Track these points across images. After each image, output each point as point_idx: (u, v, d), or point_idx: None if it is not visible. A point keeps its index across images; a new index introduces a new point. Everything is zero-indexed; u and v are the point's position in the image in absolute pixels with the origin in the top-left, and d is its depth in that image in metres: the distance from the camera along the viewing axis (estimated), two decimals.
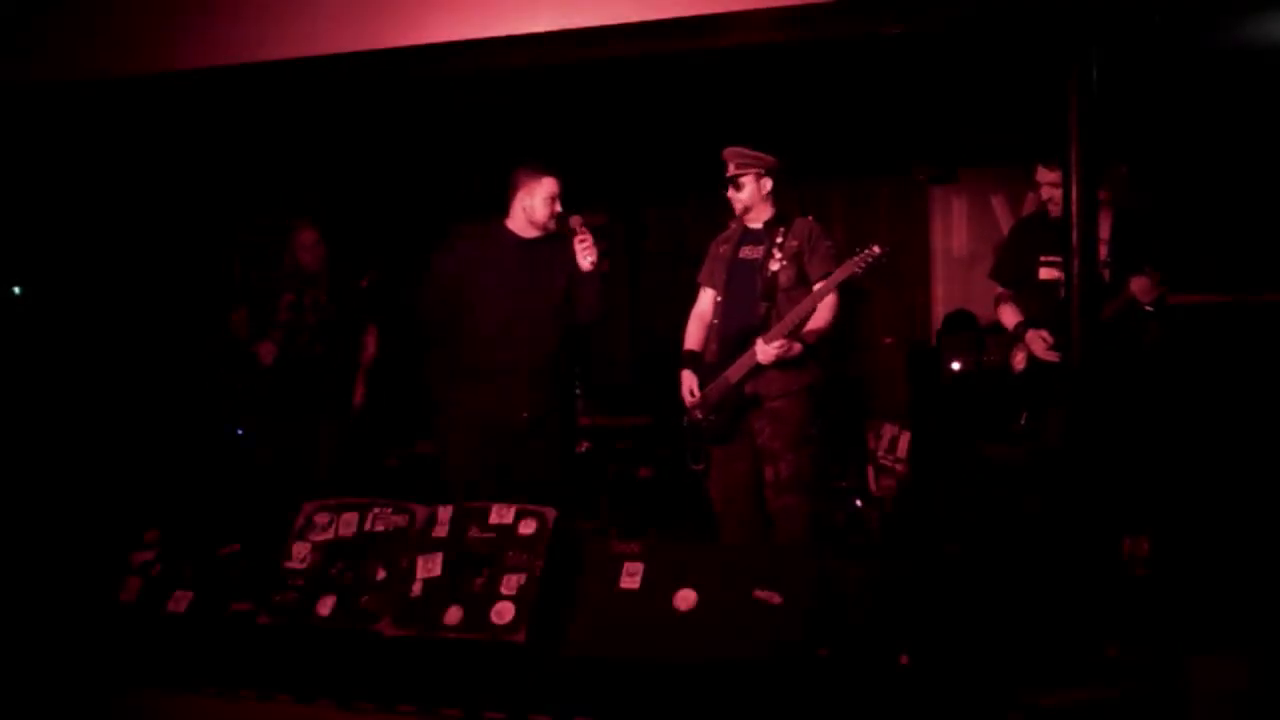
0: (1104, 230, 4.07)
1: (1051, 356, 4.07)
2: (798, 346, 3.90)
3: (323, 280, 4.87)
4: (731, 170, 4.08)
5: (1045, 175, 4.15)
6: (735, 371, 3.96)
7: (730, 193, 4.10)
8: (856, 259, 3.85)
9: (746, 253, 4.11)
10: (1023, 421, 4.24)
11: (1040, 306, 4.17)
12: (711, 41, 3.59)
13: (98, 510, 4.18)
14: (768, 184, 4.08)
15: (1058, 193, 4.05)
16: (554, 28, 3.57)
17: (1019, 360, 4.26)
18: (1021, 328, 4.22)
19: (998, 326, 4.51)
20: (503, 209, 4.28)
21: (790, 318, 3.88)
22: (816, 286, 3.91)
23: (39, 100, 4.20)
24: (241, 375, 4.88)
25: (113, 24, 4.01)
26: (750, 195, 4.06)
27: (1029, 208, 6.46)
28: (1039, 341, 4.12)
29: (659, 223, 7.11)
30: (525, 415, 4.13)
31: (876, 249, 3.84)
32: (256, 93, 4.22)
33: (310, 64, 3.82)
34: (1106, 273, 4.03)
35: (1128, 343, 4.03)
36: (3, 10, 4.13)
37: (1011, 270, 4.39)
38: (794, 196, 4.24)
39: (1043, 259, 4.20)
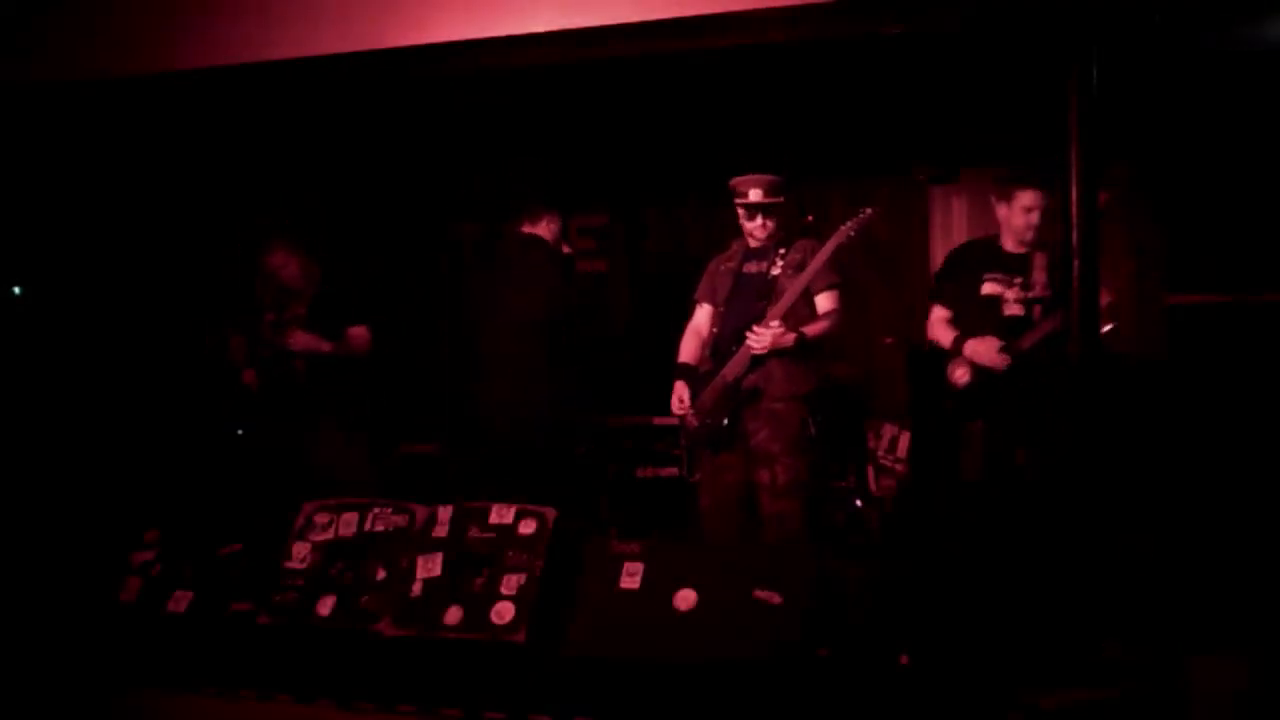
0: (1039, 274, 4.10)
1: (1000, 361, 4.00)
2: (792, 335, 3.88)
3: (306, 293, 4.66)
4: (760, 199, 4.01)
5: (1025, 198, 4.12)
6: (732, 369, 3.96)
7: (749, 222, 4.06)
8: (849, 224, 3.85)
9: (750, 268, 4.11)
10: (978, 431, 4.15)
11: (980, 320, 4.12)
12: (711, 41, 3.59)
13: (98, 510, 4.18)
14: (781, 199, 4.06)
15: (1033, 217, 4.11)
16: (554, 28, 3.57)
17: (961, 375, 4.16)
18: (959, 342, 4.15)
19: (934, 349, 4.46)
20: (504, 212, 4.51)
21: (786, 299, 3.88)
22: (813, 260, 3.90)
23: (39, 100, 4.20)
24: (234, 401, 4.76)
25: (113, 24, 4.01)
26: (770, 212, 4.03)
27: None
28: (985, 348, 4.03)
29: (659, 223, 7.10)
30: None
31: (869, 210, 3.85)
32: (256, 93, 4.22)
33: (310, 64, 3.82)
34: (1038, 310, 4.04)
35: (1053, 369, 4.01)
36: (3, 10, 4.12)
37: (952, 290, 4.31)
38: (793, 212, 4.23)
39: (986, 276, 4.15)
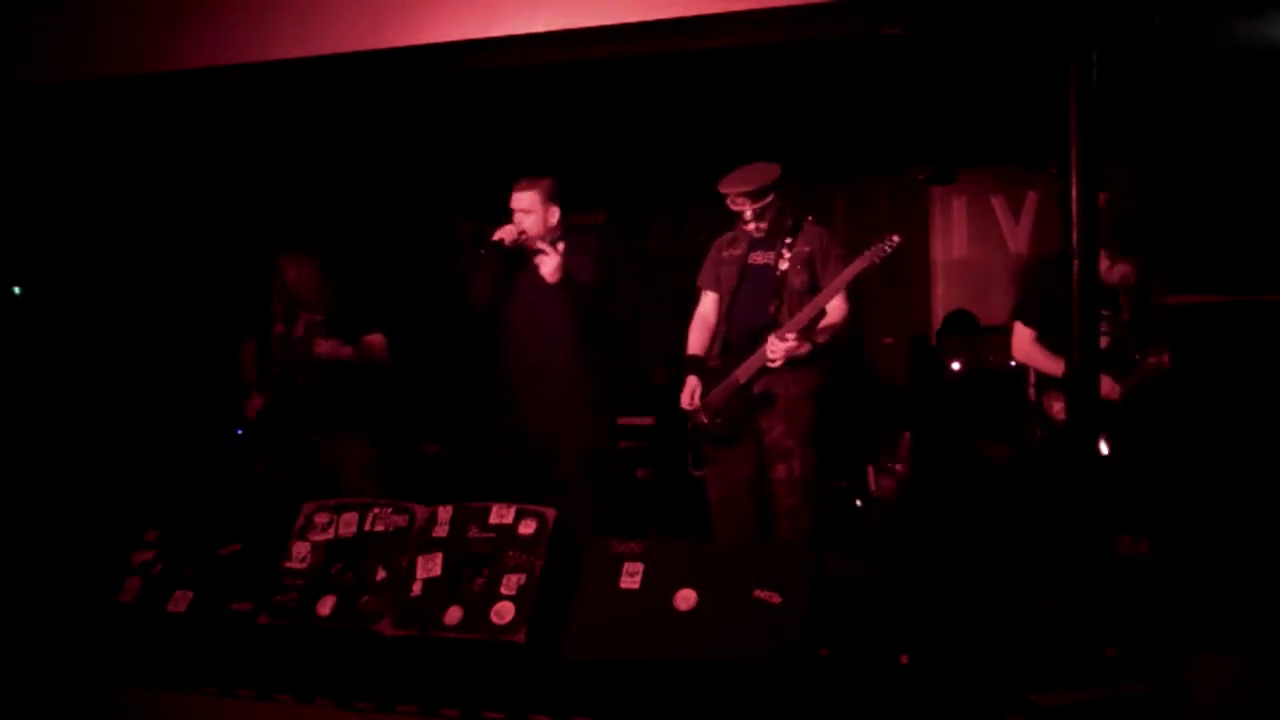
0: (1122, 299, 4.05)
1: (1116, 394, 3.95)
2: (807, 346, 3.88)
3: (318, 303, 4.54)
4: (742, 208, 3.95)
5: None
6: (744, 371, 3.95)
7: (745, 225, 4.03)
8: (873, 250, 3.82)
9: (757, 258, 4.07)
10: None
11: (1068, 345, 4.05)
12: (711, 42, 3.59)
13: (98, 510, 4.18)
14: (771, 196, 4.02)
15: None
16: (554, 28, 3.57)
17: (1060, 409, 4.03)
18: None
19: (999, 328, 4.42)
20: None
21: (804, 313, 3.86)
22: (831, 283, 3.89)
23: (39, 100, 4.20)
24: (237, 422, 4.72)
25: (113, 24, 4.01)
26: (762, 216, 4.00)
27: (1029, 209, 6.49)
28: (1104, 382, 3.89)
29: (659, 222, 7.11)
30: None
31: (895, 238, 3.82)
32: (256, 93, 4.22)
33: (310, 64, 3.82)
34: (1131, 340, 4.01)
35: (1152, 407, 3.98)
36: (2, 10, 4.12)
37: (1036, 308, 4.17)
38: (797, 198, 4.19)
39: None
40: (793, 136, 5.30)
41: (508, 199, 4.30)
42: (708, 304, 4.20)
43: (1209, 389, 4.48)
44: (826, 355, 4.00)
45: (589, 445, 4.40)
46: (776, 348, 3.83)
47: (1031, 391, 4.18)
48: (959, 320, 6.17)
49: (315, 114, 5.14)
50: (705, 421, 4.04)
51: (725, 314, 4.10)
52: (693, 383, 4.07)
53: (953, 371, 5.77)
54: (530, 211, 4.24)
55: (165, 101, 4.30)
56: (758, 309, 3.99)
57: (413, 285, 5.19)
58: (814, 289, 3.93)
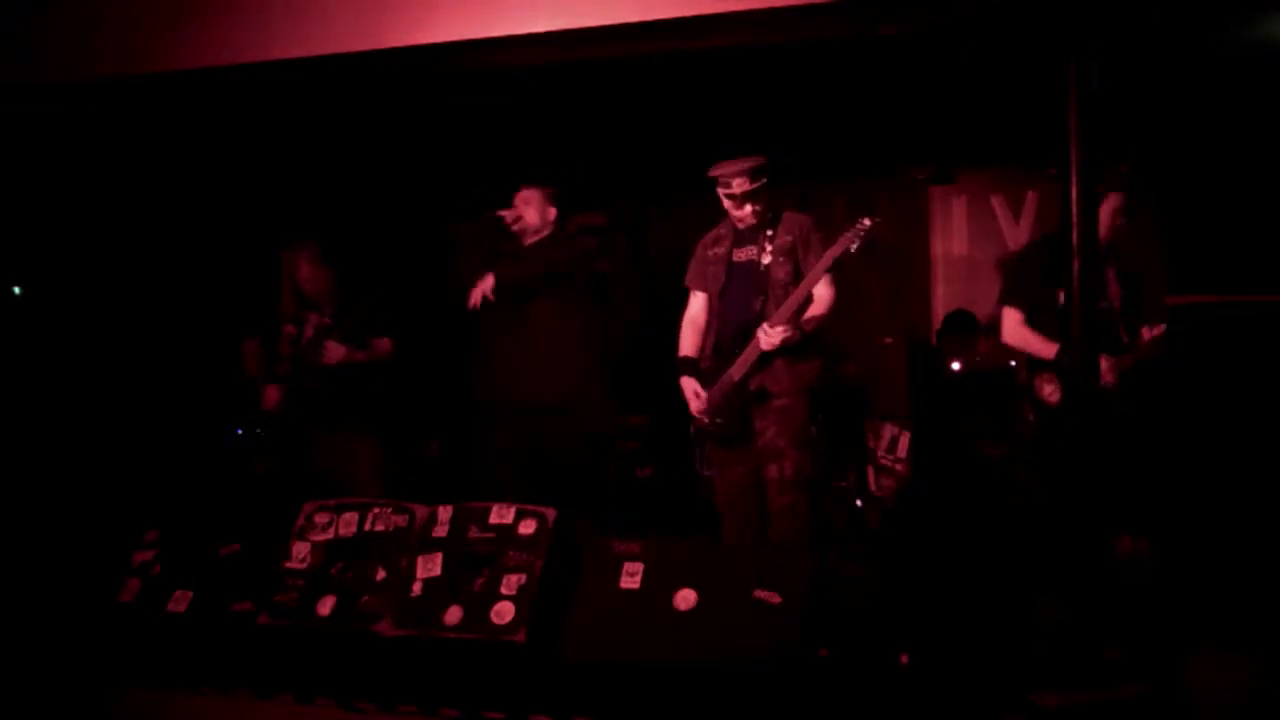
0: (1111, 286, 4.06)
1: (1111, 377, 3.95)
2: (797, 334, 3.89)
3: (326, 303, 4.60)
4: (745, 188, 3.97)
5: (1114, 200, 4.04)
6: (738, 369, 3.96)
7: (736, 210, 4.04)
8: (848, 234, 3.82)
9: (741, 255, 4.08)
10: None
11: (1057, 330, 4.05)
12: (711, 42, 3.59)
13: (98, 510, 4.18)
14: (764, 179, 4.03)
15: (1119, 219, 4.04)
16: (554, 28, 3.57)
17: (1051, 391, 4.04)
18: (1063, 356, 3.94)
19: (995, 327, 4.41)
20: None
21: (790, 302, 3.86)
22: (811, 271, 3.89)
23: (40, 100, 4.20)
24: (249, 416, 4.74)
25: (113, 24, 4.01)
26: (756, 199, 4.01)
27: (1029, 209, 6.48)
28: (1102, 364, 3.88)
29: (660, 222, 7.11)
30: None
31: (867, 221, 3.82)
32: (255, 93, 4.22)
33: (309, 64, 3.82)
34: (1122, 327, 4.02)
35: (1146, 388, 3.98)
36: (2, 10, 4.12)
37: (1025, 293, 4.16)
38: (778, 190, 4.18)
39: (1060, 287, 4.09)
40: (793, 136, 5.31)
41: (511, 196, 4.58)
42: (697, 304, 4.21)
43: (1208, 389, 4.49)
44: (817, 345, 4.00)
45: (578, 441, 4.47)
46: (770, 337, 3.84)
47: (1022, 373, 4.18)
48: (959, 320, 6.17)
49: (316, 114, 5.14)
50: (707, 422, 4.04)
51: (715, 313, 4.11)
52: (691, 384, 4.08)
53: (953, 371, 5.77)
54: (530, 204, 4.54)
55: (166, 101, 4.31)
56: (745, 306, 3.99)
57: (415, 285, 5.19)
58: (798, 279, 3.93)
